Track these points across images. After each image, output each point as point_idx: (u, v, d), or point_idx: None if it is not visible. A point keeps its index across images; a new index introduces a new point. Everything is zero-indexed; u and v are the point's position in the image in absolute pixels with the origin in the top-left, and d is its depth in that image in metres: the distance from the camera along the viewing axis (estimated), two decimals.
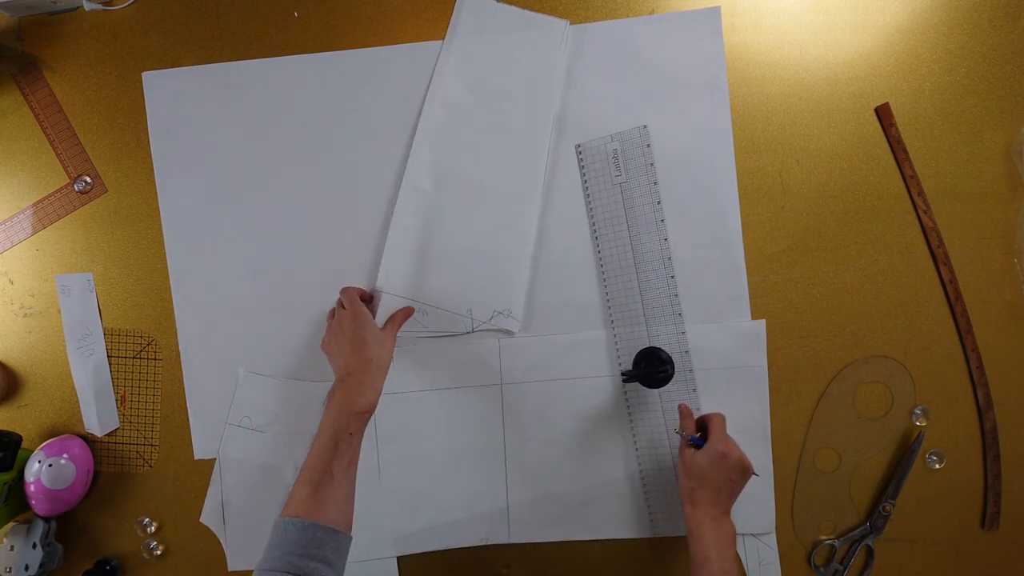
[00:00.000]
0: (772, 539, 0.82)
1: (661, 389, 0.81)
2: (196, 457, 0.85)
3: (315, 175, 0.83)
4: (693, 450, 0.73)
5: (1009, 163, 0.80)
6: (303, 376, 0.84)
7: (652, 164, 0.81)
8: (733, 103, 0.81)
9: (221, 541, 0.85)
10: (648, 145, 0.81)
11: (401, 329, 0.80)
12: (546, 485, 0.83)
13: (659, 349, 0.80)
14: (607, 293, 0.82)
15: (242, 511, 0.85)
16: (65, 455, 0.82)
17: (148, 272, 0.85)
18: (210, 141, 0.84)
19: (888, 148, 0.80)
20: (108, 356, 0.86)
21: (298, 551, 0.62)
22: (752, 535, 0.81)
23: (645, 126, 0.81)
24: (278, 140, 0.84)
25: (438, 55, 0.82)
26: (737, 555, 0.70)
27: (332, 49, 0.83)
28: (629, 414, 0.82)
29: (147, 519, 0.86)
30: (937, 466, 0.81)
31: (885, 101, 0.80)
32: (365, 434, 0.71)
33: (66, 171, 0.86)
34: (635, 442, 0.82)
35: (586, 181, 0.82)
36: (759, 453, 0.81)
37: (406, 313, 0.80)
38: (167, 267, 0.85)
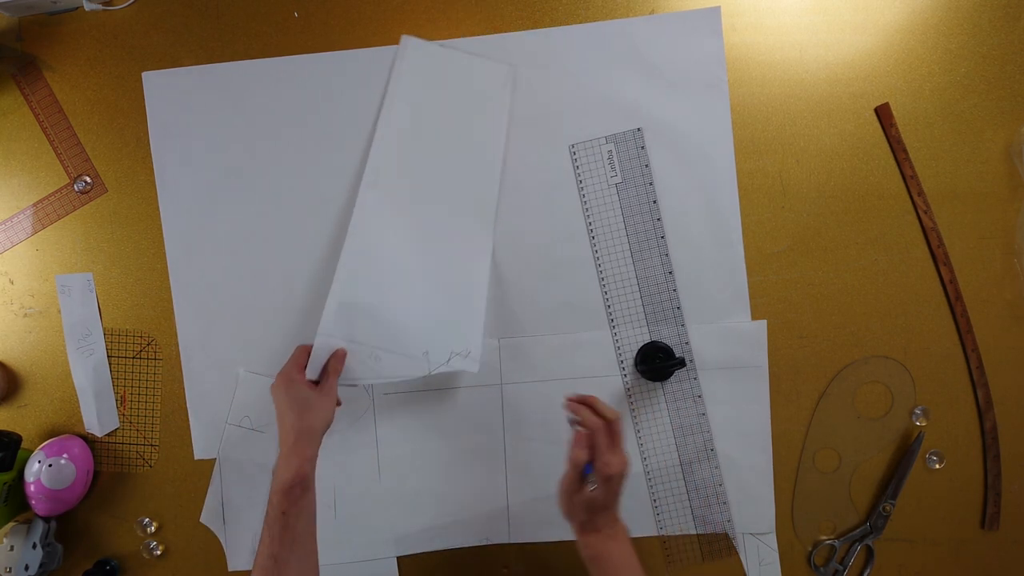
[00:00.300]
0: (772, 539, 0.82)
1: (667, 388, 0.81)
2: (196, 457, 0.85)
3: (315, 175, 0.83)
4: (580, 486, 0.65)
5: (1009, 163, 0.80)
6: None
7: (647, 165, 0.81)
8: (733, 103, 0.81)
9: (221, 541, 0.85)
10: (643, 147, 0.81)
11: (352, 379, 0.77)
12: (547, 485, 0.82)
13: (661, 343, 0.80)
14: (606, 294, 0.82)
15: (242, 511, 0.85)
16: (65, 455, 0.82)
17: (148, 272, 0.85)
18: (210, 141, 0.84)
19: (888, 148, 0.80)
20: (108, 356, 0.86)
21: None
22: (752, 535, 0.82)
23: (639, 128, 0.81)
24: (278, 140, 0.84)
25: (382, 100, 0.81)
26: (639, 563, 0.67)
27: (332, 49, 0.83)
28: (632, 413, 0.82)
29: (147, 519, 0.86)
30: (937, 466, 0.81)
31: (885, 101, 0.80)
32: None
33: (66, 171, 0.86)
34: (639, 440, 0.82)
35: (581, 181, 0.82)
36: (759, 453, 0.81)
37: (339, 357, 0.76)
38: (167, 267, 0.85)
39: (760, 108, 0.81)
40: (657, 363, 0.80)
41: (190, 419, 0.85)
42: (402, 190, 0.81)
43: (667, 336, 0.81)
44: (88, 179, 0.86)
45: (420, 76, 0.82)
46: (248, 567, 0.85)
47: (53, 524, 0.84)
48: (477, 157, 0.81)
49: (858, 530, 0.81)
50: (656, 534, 0.82)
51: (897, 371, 0.81)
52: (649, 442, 0.82)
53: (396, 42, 0.83)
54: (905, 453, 0.80)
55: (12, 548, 0.83)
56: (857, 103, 0.80)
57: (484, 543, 0.84)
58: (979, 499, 0.81)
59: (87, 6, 0.84)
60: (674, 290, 0.81)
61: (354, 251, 0.80)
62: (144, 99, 0.84)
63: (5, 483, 0.81)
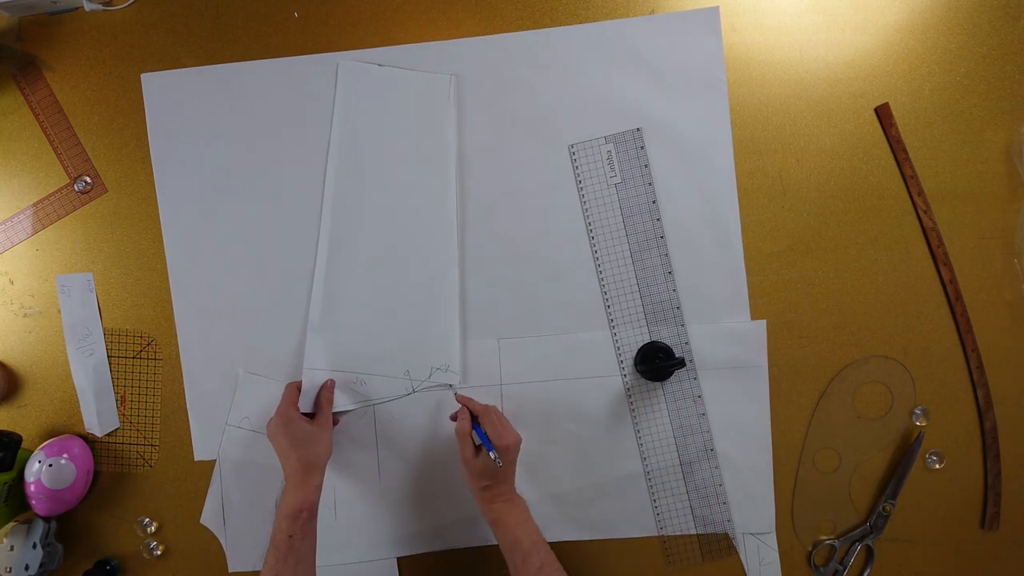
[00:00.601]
0: (772, 539, 0.82)
1: (667, 388, 0.81)
2: (196, 458, 0.85)
3: (315, 175, 0.83)
4: (476, 453, 0.74)
5: (1009, 163, 0.80)
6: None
7: (647, 165, 0.81)
8: (732, 103, 0.81)
9: (221, 542, 0.85)
10: (642, 147, 0.81)
11: (343, 406, 0.81)
12: (547, 485, 0.83)
13: (661, 343, 0.80)
14: (606, 294, 0.82)
15: (242, 512, 0.85)
16: (65, 455, 0.82)
17: (148, 272, 0.85)
18: (209, 141, 0.84)
19: (888, 148, 0.80)
20: (108, 356, 0.86)
21: None
22: (752, 535, 0.82)
23: (639, 128, 0.81)
24: (277, 140, 0.84)
25: (330, 127, 0.82)
26: (536, 524, 0.74)
27: (332, 49, 0.83)
28: (633, 412, 0.82)
29: (147, 519, 0.86)
30: (937, 466, 0.81)
31: (885, 101, 0.80)
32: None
33: (66, 171, 0.86)
34: (639, 440, 0.82)
35: (580, 181, 0.82)
36: (759, 453, 0.81)
37: (329, 389, 0.80)
38: (167, 267, 0.85)
39: (760, 108, 0.81)
40: (657, 363, 0.80)
41: (190, 420, 0.85)
42: (361, 216, 0.82)
43: (667, 336, 0.81)
44: (88, 179, 0.86)
45: (361, 99, 0.82)
46: (248, 567, 0.85)
47: (53, 524, 0.84)
48: (430, 171, 0.82)
49: (858, 530, 0.81)
50: (656, 534, 0.82)
51: (897, 371, 0.81)
52: (649, 442, 0.82)
53: (396, 42, 0.83)
54: (905, 453, 0.80)
55: (12, 548, 0.83)
56: (857, 103, 0.80)
57: (484, 543, 0.84)
58: (979, 499, 0.81)
59: (87, 6, 0.84)
60: (674, 290, 0.81)
61: (324, 282, 0.82)
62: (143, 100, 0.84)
63: (5, 483, 0.81)
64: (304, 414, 0.78)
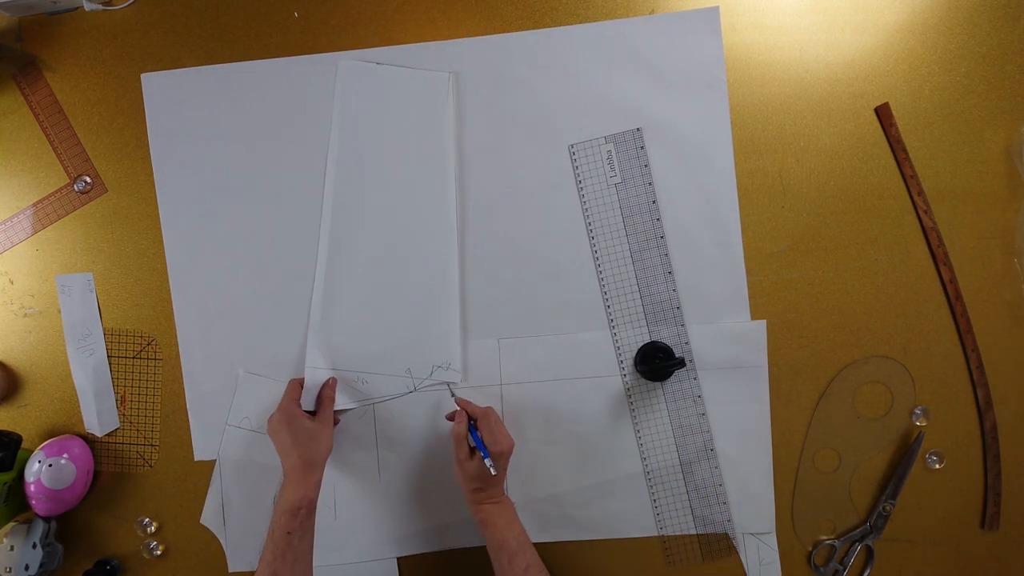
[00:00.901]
0: (772, 539, 0.82)
1: (667, 388, 0.81)
2: (196, 458, 0.85)
3: (315, 175, 0.83)
4: (470, 455, 0.75)
5: (1009, 163, 0.80)
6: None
7: (647, 165, 0.81)
8: (732, 103, 0.81)
9: (221, 542, 0.85)
10: (642, 147, 0.81)
11: (344, 404, 0.82)
12: (546, 485, 0.83)
13: (661, 343, 0.80)
14: (606, 294, 0.82)
15: (242, 512, 0.85)
16: (65, 455, 0.82)
17: (148, 272, 0.85)
18: (209, 141, 0.84)
19: (888, 148, 0.80)
20: (108, 356, 0.86)
21: None
22: (752, 535, 0.82)
23: (639, 128, 0.81)
24: (277, 141, 0.84)
25: (330, 127, 0.82)
26: (523, 526, 0.76)
27: (332, 49, 0.83)
28: (632, 413, 0.82)
29: (147, 519, 0.86)
30: (937, 466, 0.81)
31: (885, 101, 0.80)
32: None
33: (66, 171, 0.86)
34: (639, 440, 0.82)
35: (580, 181, 0.82)
36: (759, 453, 0.81)
37: (331, 387, 0.81)
38: (167, 267, 0.85)
39: (760, 108, 0.81)
40: (657, 363, 0.80)
41: (190, 420, 0.85)
42: (361, 215, 0.82)
43: (667, 336, 0.81)
44: (88, 179, 0.86)
45: (361, 98, 0.82)
46: (248, 567, 0.85)
47: (53, 524, 0.84)
48: (430, 170, 0.82)
49: (858, 530, 0.81)
50: (656, 534, 0.82)
51: (897, 371, 0.81)
52: (649, 442, 0.82)
53: (396, 42, 0.83)
54: (905, 453, 0.80)
55: (12, 548, 0.83)
56: (857, 103, 0.80)
57: (484, 543, 0.83)
58: (979, 499, 0.81)
59: (87, 6, 0.84)
60: (674, 290, 0.81)
61: (325, 282, 0.82)
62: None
63: (5, 483, 0.81)
64: (306, 411, 0.78)
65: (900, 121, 0.80)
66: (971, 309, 0.80)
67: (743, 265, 0.81)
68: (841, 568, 0.81)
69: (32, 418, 0.87)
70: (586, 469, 0.82)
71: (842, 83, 0.80)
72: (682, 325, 0.81)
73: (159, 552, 0.86)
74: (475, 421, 0.76)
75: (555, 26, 0.82)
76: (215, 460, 0.85)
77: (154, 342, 0.86)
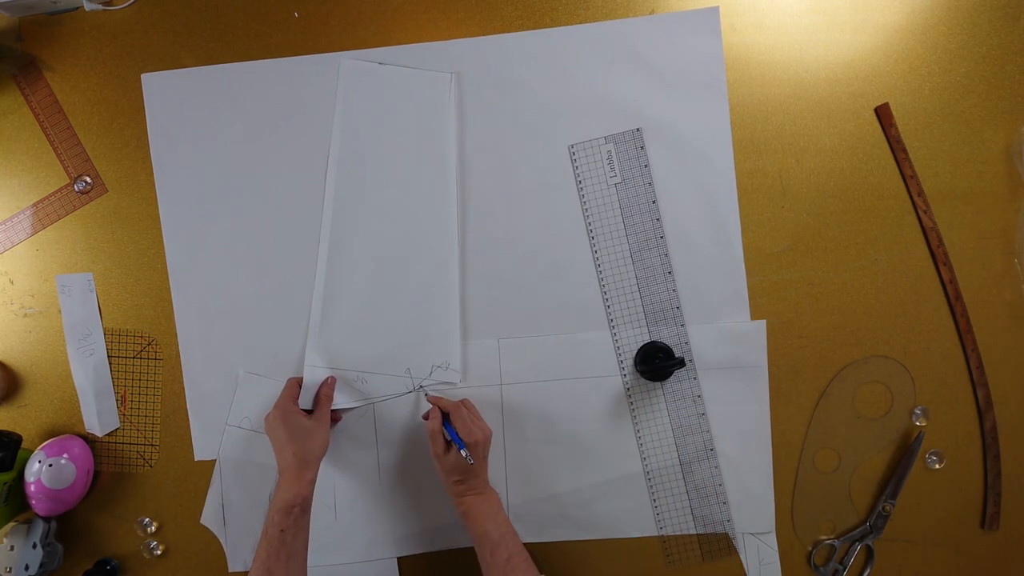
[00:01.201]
0: (772, 539, 0.82)
1: (666, 388, 0.81)
2: (196, 458, 0.85)
3: (315, 175, 0.83)
4: (447, 449, 0.75)
5: (1009, 163, 0.80)
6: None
7: (647, 165, 0.81)
8: (732, 103, 0.81)
9: (221, 542, 0.85)
10: (642, 147, 0.81)
11: (343, 404, 0.82)
12: (546, 485, 0.83)
13: (661, 343, 0.80)
14: (605, 294, 0.82)
15: (242, 512, 0.85)
16: (65, 455, 0.82)
17: (148, 272, 0.86)
18: (209, 142, 0.84)
19: (888, 148, 0.80)
20: (108, 356, 0.86)
21: None
22: (752, 535, 0.82)
23: (639, 129, 0.81)
24: (277, 141, 0.84)
25: (331, 127, 0.82)
26: (507, 516, 0.76)
27: (332, 49, 0.83)
28: (632, 413, 0.82)
29: (147, 519, 0.86)
30: (937, 466, 0.81)
31: (885, 101, 0.80)
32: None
33: (66, 171, 0.86)
34: (639, 440, 0.82)
35: (580, 181, 0.82)
36: (759, 453, 0.81)
37: (329, 386, 0.81)
38: (167, 267, 0.85)
39: (760, 108, 0.81)
40: (657, 363, 0.80)
41: (190, 420, 0.85)
42: (362, 215, 0.82)
43: (667, 336, 0.81)
44: (88, 179, 0.86)
45: (362, 98, 0.82)
46: (248, 567, 0.85)
47: (53, 524, 0.84)
48: (431, 170, 0.82)
49: (858, 530, 0.81)
50: (656, 534, 0.82)
51: (897, 371, 0.81)
52: (649, 442, 0.82)
53: (396, 42, 0.83)
54: (905, 453, 0.80)
55: (12, 548, 0.83)
56: (857, 103, 0.80)
57: None
58: (979, 499, 0.81)
59: (87, 6, 0.84)
60: (674, 290, 0.81)
61: (325, 282, 0.82)
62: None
63: (5, 483, 0.81)
64: (303, 410, 0.78)
65: (900, 121, 0.80)
66: (971, 309, 0.80)
67: (743, 265, 0.81)
68: (841, 568, 0.81)
69: (32, 418, 0.87)
70: (586, 469, 0.82)
71: (842, 83, 0.80)
72: (682, 325, 0.81)
73: (159, 552, 0.86)
74: (448, 415, 0.76)
75: (555, 26, 0.82)
76: (215, 460, 0.85)
77: (154, 342, 0.86)
